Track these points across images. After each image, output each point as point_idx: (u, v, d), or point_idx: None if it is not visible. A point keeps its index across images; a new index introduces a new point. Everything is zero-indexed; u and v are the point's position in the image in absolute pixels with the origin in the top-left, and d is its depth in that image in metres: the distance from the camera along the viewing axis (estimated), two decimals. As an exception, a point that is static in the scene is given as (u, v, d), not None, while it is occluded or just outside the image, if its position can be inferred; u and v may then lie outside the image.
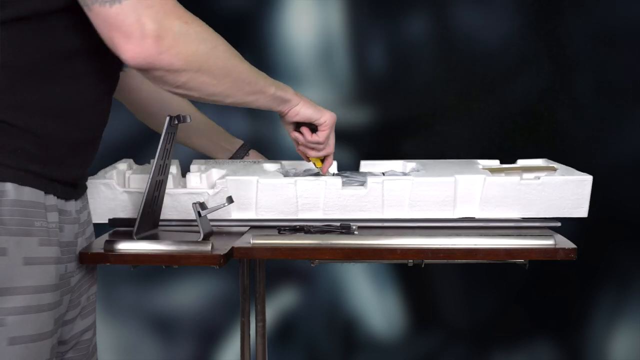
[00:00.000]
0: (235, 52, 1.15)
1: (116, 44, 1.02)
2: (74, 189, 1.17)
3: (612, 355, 2.52)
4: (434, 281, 2.55)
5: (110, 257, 1.23)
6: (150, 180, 1.27)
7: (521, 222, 1.44)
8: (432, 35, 2.46)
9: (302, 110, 1.31)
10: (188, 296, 2.52)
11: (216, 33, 1.11)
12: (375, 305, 2.54)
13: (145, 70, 1.05)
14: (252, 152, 1.63)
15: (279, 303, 2.52)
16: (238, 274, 1.71)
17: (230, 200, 1.28)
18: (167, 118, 1.27)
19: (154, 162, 1.27)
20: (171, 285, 2.51)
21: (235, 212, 1.45)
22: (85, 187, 1.24)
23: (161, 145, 1.27)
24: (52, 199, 1.10)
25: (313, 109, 1.32)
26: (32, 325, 1.06)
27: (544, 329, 2.53)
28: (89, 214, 1.26)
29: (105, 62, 1.12)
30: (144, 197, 1.28)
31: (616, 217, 2.44)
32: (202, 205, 1.27)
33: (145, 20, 1.00)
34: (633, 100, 2.45)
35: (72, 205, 1.16)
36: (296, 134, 1.37)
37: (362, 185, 1.42)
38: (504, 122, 2.47)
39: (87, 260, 1.23)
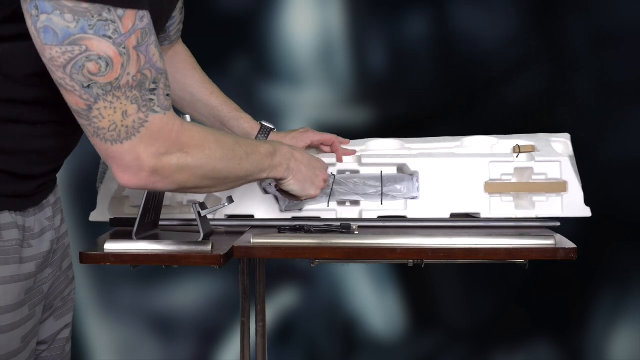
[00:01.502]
0: (236, 156, 1.18)
1: (113, 169, 1.05)
2: (35, 198, 1.14)
3: (612, 355, 2.52)
4: (434, 281, 2.54)
5: (110, 257, 1.23)
6: (150, 180, 1.27)
7: (521, 221, 1.45)
8: (432, 35, 2.46)
9: (287, 184, 1.33)
10: (188, 296, 2.52)
11: (217, 145, 1.13)
12: (375, 305, 2.53)
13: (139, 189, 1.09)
14: (272, 135, 1.60)
15: (279, 303, 2.52)
16: (238, 274, 1.71)
17: (230, 200, 1.28)
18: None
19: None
20: (171, 285, 2.51)
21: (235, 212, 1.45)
22: (55, 187, 1.22)
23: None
24: (7, 217, 1.07)
25: (298, 186, 1.34)
26: None
27: (544, 329, 2.53)
28: (61, 215, 1.25)
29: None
30: (144, 198, 1.28)
31: (616, 217, 2.43)
32: (202, 206, 1.28)
33: (144, 158, 1.03)
34: (633, 100, 2.44)
35: (35, 220, 1.13)
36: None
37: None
38: (504, 122, 2.46)
39: (87, 260, 1.24)
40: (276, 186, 1.38)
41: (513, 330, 2.55)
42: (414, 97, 2.47)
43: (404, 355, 2.55)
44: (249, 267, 1.71)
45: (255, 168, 1.22)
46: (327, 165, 1.42)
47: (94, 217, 1.50)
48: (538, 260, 1.27)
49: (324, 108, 2.47)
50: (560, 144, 1.55)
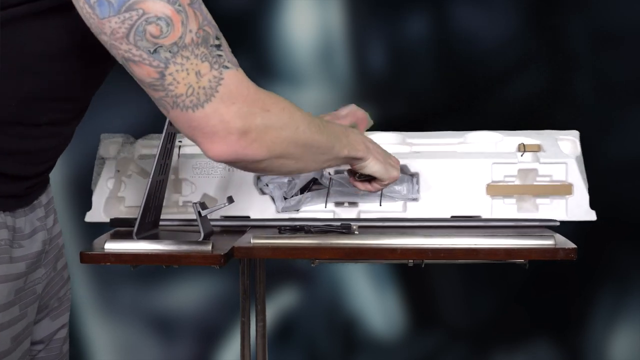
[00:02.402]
0: (314, 122, 1.12)
1: (199, 142, 1.01)
2: (25, 199, 1.13)
3: (612, 355, 2.52)
4: (434, 281, 2.54)
5: (110, 257, 1.23)
6: (150, 180, 1.27)
7: (519, 221, 1.44)
8: (432, 35, 2.46)
9: (369, 165, 1.26)
10: (188, 296, 2.52)
11: (294, 108, 1.09)
12: (375, 305, 2.53)
13: (230, 163, 1.05)
14: None
15: (279, 303, 2.52)
16: (238, 274, 1.71)
17: (230, 200, 1.28)
18: (167, 119, 1.26)
19: (154, 162, 1.27)
20: (171, 285, 2.51)
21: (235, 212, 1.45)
22: (47, 187, 1.22)
23: (161, 145, 1.27)
24: None
25: (381, 166, 1.27)
26: None
27: (544, 329, 2.53)
28: (54, 215, 1.24)
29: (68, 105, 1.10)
30: (145, 197, 1.28)
31: (616, 217, 2.43)
32: (203, 205, 1.28)
33: (229, 119, 0.99)
34: (633, 100, 2.44)
35: (25, 220, 1.12)
36: (351, 180, 1.35)
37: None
38: (504, 122, 2.46)
39: (87, 260, 1.24)
40: (351, 174, 1.33)
41: (513, 330, 2.55)
42: (414, 97, 2.47)
43: (404, 355, 2.55)
44: (249, 267, 1.71)
45: (336, 140, 1.16)
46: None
47: (90, 217, 1.49)
48: (538, 260, 1.27)
49: (324, 108, 2.46)
50: (568, 142, 1.51)
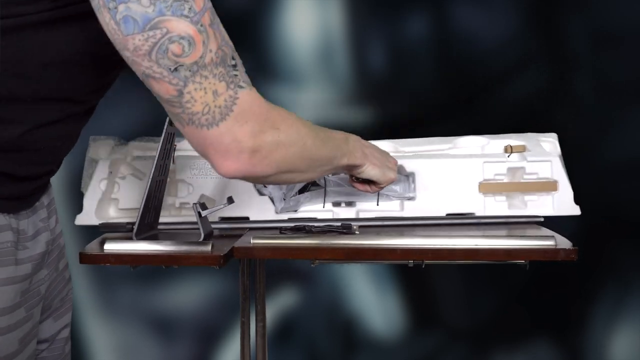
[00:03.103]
0: (318, 136, 1.15)
1: (211, 159, 1.03)
2: (27, 201, 1.13)
3: (612, 355, 2.52)
4: (434, 281, 2.54)
5: (110, 257, 1.23)
6: (150, 180, 1.27)
7: (508, 218, 1.50)
8: (432, 35, 2.46)
9: (366, 171, 1.30)
10: (188, 296, 2.52)
11: (300, 123, 1.11)
12: (375, 305, 2.53)
13: (240, 178, 1.07)
14: None
15: (279, 303, 2.52)
16: (238, 274, 1.71)
17: (230, 200, 1.28)
18: (167, 118, 1.27)
19: (154, 162, 1.27)
20: (171, 285, 2.51)
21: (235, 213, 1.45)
22: (48, 188, 1.21)
23: (161, 146, 1.27)
24: (1, 219, 1.06)
25: (377, 171, 1.32)
26: None
27: (544, 329, 2.53)
28: (56, 216, 1.24)
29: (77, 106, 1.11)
30: (144, 198, 1.27)
31: (616, 217, 2.43)
32: (203, 206, 1.27)
33: (242, 138, 1.01)
34: (633, 100, 2.44)
35: (28, 222, 1.12)
36: (350, 181, 1.39)
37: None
38: (504, 122, 2.46)
39: (87, 260, 1.23)
40: (351, 177, 1.36)
41: (513, 330, 2.55)
42: (413, 97, 2.47)
43: (404, 355, 2.55)
44: (249, 268, 1.71)
45: (337, 150, 1.21)
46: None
47: (80, 220, 1.47)
48: (538, 261, 1.27)
49: (324, 108, 2.47)
50: (549, 144, 1.59)
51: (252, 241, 1.28)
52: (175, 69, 0.97)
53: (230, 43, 1.03)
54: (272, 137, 1.04)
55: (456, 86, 2.46)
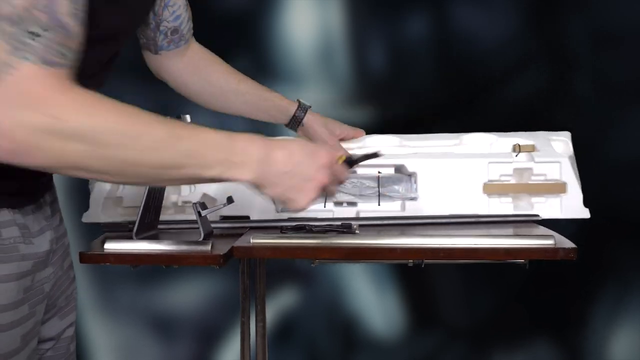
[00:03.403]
0: (150, 134, 0.95)
1: None
2: (33, 196, 1.11)
3: (612, 355, 2.52)
4: (433, 281, 2.54)
5: (110, 257, 1.23)
6: (150, 180, 1.27)
7: (505, 217, 1.48)
8: (432, 35, 2.46)
9: (267, 194, 1.08)
10: (188, 296, 2.52)
11: (113, 120, 0.93)
12: (375, 305, 2.53)
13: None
14: (308, 121, 1.58)
15: (279, 303, 2.52)
16: (238, 274, 1.71)
17: (230, 200, 1.28)
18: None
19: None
20: (171, 285, 2.51)
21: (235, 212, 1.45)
22: (52, 187, 1.21)
23: (161, 145, 1.26)
24: (6, 214, 1.04)
25: (279, 197, 1.08)
26: None
27: (544, 329, 2.53)
28: (60, 215, 1.23)
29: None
30: (144, 197, 1.28)
31: (616, 217, 2.43)
32: (203, 205, 1.28)
33: (2, 116, 0.86)
34: (633, 100, 2.44)
35: (33, 218, 1.11)
36: None
37: None
38: (504, 122, 2.46)
39: (87, 260, 1.24)
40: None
41: (512, 330, 2.55)
42: (414, 97, 2.47)
43: (403, 355, 2.55)
44: (249, 267, 1.71)
45: (187, 159, 0.97)
46: (331, 161, 1.10)
47: (87, 218, 1.48)
48: (538, 260, 1.27)
49: (324, 108, 2.46)
50: (561, 143, 1.54)
51: (251, 241, 1.28)
52: None
53: (61, 18, 0.89)
54: (43, 125, 0.88)
55: (456, 86, 2.46)
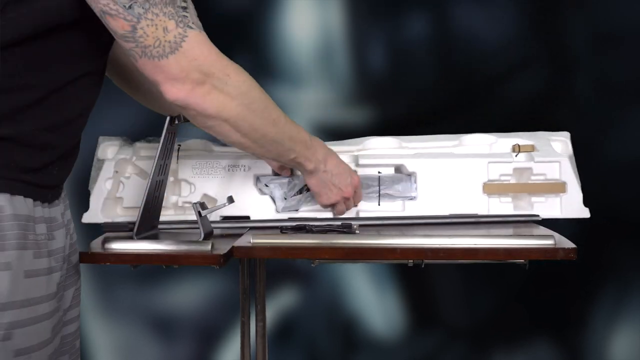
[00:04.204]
0: (272, 113, 1.24)
1: (160, 84, 1.13)
2: (58, 190, 1.20)
3: (612, 355, 2.52)
4: (433, 281, 2.54)
5: (110, 257, 1.23)
6: (150, 180, 1.27)
7: (505, 217, 1.48)
8: (432, 35, 2.46)
9: (309, 181, 1.39)
10: (188, 296, 2.52)
11: (257, 89, 1.21)
12: (375, 305, 2.53)
13: (181, 107, 1.16)
14: None
15: (279, 303, 2.52)
16: (238, 274, 1.71)
17: (230, 200, 1.28)
18: (168, 118, 1.27)
19: (154, 162, 1.27)
20: (171, 285, 2.51)
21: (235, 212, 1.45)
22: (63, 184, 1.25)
23: (161, 145, 1.27)
24: (39, 210, 1.13)
25: (318, 186, 1.39)
26: (34, 336, 1.09)
27: (544, 329, 2.53)
28: (69, 211, 1.27)
29: (94, 70, 1.19)
30: (144, 197, 1.28)
31: (616, 217, 2.44)
32: (203, 205, 1.28)
33: (189, 70, 1.12)
34: (633, 100, 2.44)
35: (56, 211, 1.18)
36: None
37: None
38: (504, 122, 2.46)
39: (87, 260, 1.24)
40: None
41: (513, 330, 2.55)
42: (414, 97, 2.47)
43: (404, 355, 2.55)
44: (249, 267, 1.71)
45: (289, 140, 1.28)
46: (358, 185, 1.43)
47: (87, 218, 1.48)
48: (538, 260, 1.27)
49: (324, 108, 2.47)
50: (560, 143, 1.54)
51: (251, 241, 1.28)
52: (130, 6, 1.08)
53: None
54: (219, 80, 1.15)
55: (456, 86, 2.46)
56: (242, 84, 1.18)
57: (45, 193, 1.14)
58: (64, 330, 1.25)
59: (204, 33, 1.14)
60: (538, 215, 1.47)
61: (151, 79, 1.13)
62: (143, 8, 1.08)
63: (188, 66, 1.12)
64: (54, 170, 1.15)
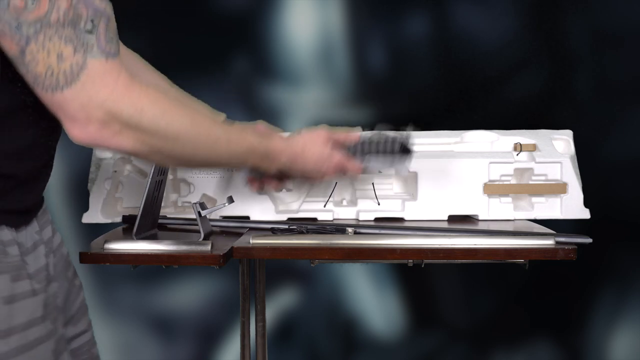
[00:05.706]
0: (212, 134, 1.10)
1: (62, 123, 0.98)
2: (29, 214, 1.10)
3: (612, 355, 2.52)
4: (434, 281, 2.54)
5: (110, 257, 1.23)
6: (150, 180, 1.27)
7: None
8: (432, 35, 2.46)
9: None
10: (188, 296, 2.52)
11: (185, 117, 1.04)
12: (375, 305, 2.53)
13: (95, 147, 1.03)
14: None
15: (279, 303, 2.52)
16: (238, 274, 1.71)
17: (230, 200, 1.28)
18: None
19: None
20: (171, 285, 2.51)
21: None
22: (43, 202, 1.17)
23: (161, 145, 1.26)
24: (7, 234, 1.04)
25: (298, 174, 1.30)
26: None
27: (544, 329, 2.53)
28: (51, 226, 1.19)
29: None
30: (144, 197, 1.28)
31: (616, 217, 2.43)
32: (202, 205, 1.28)
33: (90, 108, 0.95)
34: (633, 100, 2.44)
35: (24, 236, 1.08)
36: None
37: None
38: (504, 122, 2.46)
39: (87, 260, 1.24)
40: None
41: (513, 330, 2.55)
42: (414, 97, 2.47)
43: (404, 355, 2.55)
44: (249, 268, 1.71)
45: (236, 159, 1.18)
46: (337, 162, 1.30)
47: (87, 219, 1.48)
48: (538, 260, 1.27)
49: (324, 108, 2.47)
50: (562, 142, 1.54)
51: (251, 241, 1.28)
52: (18, 25, 0.91)
53: (97, 5, 0.95)
54: (130, 116, 0.97)
55: (456, 86, 2.46)
56: (159, 118, 1.00)
57: (12, 218, 1.04)
58: (74, 343, 1.21)
59: (116, 60, 0.97)
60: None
61: (51, 109, 0.97)
62: (33, 28, 0.91)
63: (89, 103, 0.94)
64: (17, 197, 1.04)
